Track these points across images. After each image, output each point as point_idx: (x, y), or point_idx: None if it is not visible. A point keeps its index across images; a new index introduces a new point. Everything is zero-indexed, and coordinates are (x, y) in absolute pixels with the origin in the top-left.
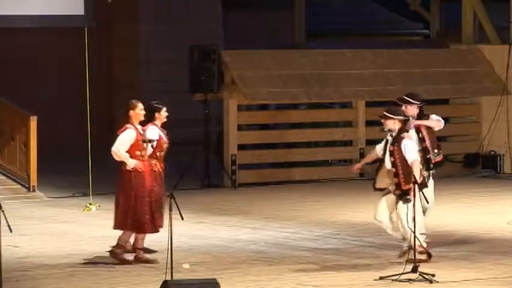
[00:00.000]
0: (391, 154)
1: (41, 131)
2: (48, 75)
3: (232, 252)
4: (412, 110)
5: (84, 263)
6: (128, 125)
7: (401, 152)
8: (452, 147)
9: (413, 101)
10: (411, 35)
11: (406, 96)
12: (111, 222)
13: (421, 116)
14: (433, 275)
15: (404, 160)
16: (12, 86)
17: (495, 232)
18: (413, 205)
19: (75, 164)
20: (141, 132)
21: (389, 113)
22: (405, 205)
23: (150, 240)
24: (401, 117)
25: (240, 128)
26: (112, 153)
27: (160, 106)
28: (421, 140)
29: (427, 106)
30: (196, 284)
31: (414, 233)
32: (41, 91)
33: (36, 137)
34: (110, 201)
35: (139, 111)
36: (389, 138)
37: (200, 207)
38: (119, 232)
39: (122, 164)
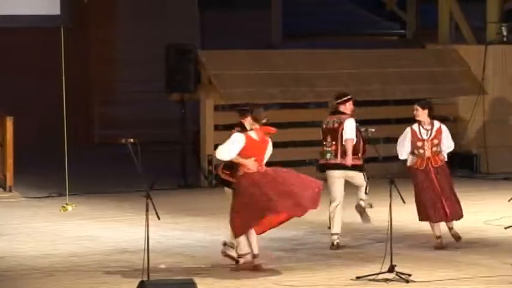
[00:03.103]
0: None
1: (18, 131)
2: (25, 75)
3: (209, 253)
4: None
5: (62, 263)
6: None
7: None
8: None
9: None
10: (387, 35)
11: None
12: (88, 222)
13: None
14: (410, 275)
15: None
16: None
17: (472, 232)
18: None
19: (51, 164)
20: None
21: None
22: None
23: (126, 240)
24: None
25: (216, 128)
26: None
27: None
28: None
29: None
30: (173, 284)
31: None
32: (18, 91)
33: (12, 137)
34: (86, 201)
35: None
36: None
37: (177, 208)
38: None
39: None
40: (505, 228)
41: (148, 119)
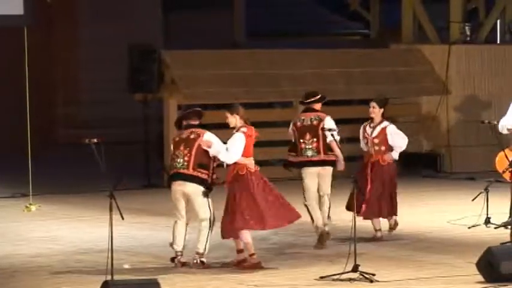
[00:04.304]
0: None
1: None
2: None
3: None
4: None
5: (25, 263)
6: None
7: None
8: None
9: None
10: (351, 34)
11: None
12: (52, 222)
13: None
14: (374, 274)
15: None
16: None
17: (436, 231)
18: None
19: (15, 164)
20: None
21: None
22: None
23: (89, 240)
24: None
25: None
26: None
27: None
28: None
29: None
30: (137, 284)
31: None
32: None
33: None
34: (50, 201)
35: None
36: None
37: (140, 207)
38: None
39: None
40: (469, 227)
41: (112, 119)
